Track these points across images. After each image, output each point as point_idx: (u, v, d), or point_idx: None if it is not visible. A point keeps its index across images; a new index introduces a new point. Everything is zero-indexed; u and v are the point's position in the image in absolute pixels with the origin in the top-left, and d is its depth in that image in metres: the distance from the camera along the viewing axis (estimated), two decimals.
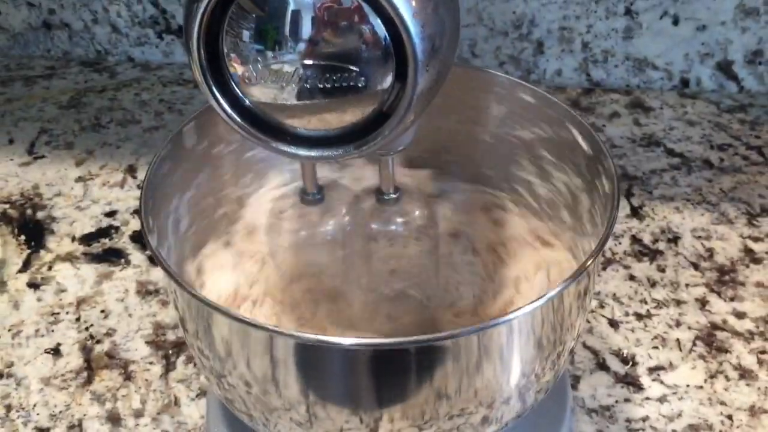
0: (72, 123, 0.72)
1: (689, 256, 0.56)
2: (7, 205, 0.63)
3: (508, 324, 0.32)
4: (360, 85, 0.29)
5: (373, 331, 0.40)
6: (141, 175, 0.65)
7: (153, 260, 0.56)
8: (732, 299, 0.53)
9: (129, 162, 0.67)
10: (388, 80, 0.29)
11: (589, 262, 0.34)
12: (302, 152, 0.31)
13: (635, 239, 0.58)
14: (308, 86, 0.29)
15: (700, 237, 0.58)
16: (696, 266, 0.56)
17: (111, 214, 0.62)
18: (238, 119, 0.31)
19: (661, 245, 0.57)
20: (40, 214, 0.62)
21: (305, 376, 0.32)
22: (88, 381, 0.50)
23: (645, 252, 0.57)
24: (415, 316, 0.42)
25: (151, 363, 0.51)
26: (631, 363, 0.49)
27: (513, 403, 0.37)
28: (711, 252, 0.57)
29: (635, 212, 0.60)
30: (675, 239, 0.58)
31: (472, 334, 0.31)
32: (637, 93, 0.72)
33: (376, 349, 0.31)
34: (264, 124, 0.31)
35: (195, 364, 0.50)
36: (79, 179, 0.66)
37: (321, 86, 0.29)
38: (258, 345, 0.31)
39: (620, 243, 0.58)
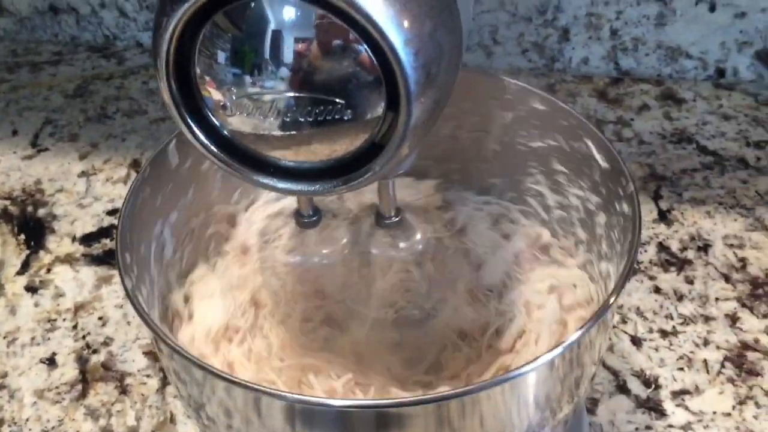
0: (77, 113, 0.69)
1: (720, 266, 0.53)
2: (8, 202, 0.61)
3: (523, 377, 0.29)
4: (346, 117, 0.26)
5: (375, 359, 0.37)
6: None
7: None
8: (765, 316, 0.49)
9: (134, 156, 0.65)
10: (379, 111, 0.26)
11: (611, 300, 0.31)
12: (285, 186, 0.28)
13: (662, 247, 0.54)
14: (290, 119, 0.26)
15: (732, 245, 0.54)
16: (727, 278, 0.52)
17: (113, 212, 0.60)
18: (214, 149, 0.28)
19: (690, 254, 0.54)
20: (41, 212, 0.60)
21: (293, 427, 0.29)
22: (83, 394, 0.48)
23: (672, 261, 0.53)
24: (419, 340, 0.39)
25: (147, 376, 0.49)
26: (653, 386, 0.46)
27: None
28: (744, 262, 0.53)
29: (663, 216, 0.56)
30: (705, 247, 0.54)
31: (483, 390, 0.28)
32: (668, 83, 0.68)
33: (376, 411, 0.28)
34: (243, 155, 0.28)
35: None
36: (83, 174, 0.63)
37: (304, 119, 0.26)
38: (242, 402, 0.29)
39: (645, 251, 0.54)
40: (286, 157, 0.28)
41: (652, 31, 0.66)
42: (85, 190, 0.62)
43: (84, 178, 0.63)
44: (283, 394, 0.28)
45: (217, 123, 0.28)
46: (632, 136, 0.63)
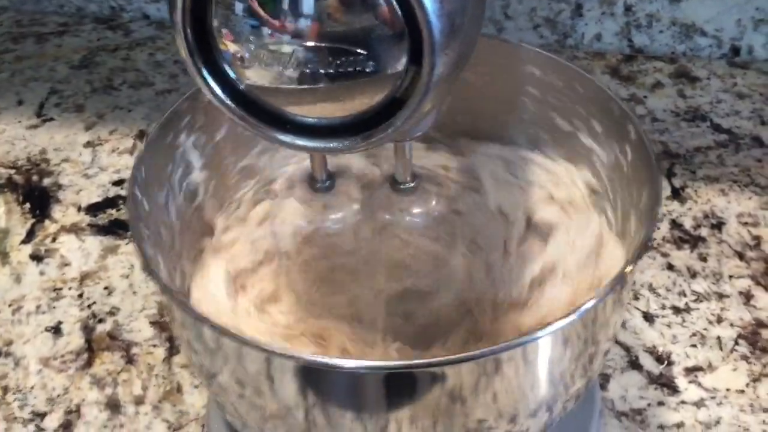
0: (83, 84, 0.68)
1: (734, 244, 0.52)
2: (12, 171, 0.61)
3: (536, 342, 0.29)
4: (369, 70, 0.25)
5: (383, 328, 0.37)
6: None
7: None
8: None
9: (140, 127, 0.64)
10: (402, 64, 0.25)
11: (628, 268, 0.30)
12: (303, 143, 0.27)
13: (675, 224, 0.54)
14: (309, 70, 0.25)
15: (746, 223, 0.53)
16: (741, 256, 0.51)
17: (119, 182, 0.59)
18: (231, 104, 0.27)
19: (704, 231, 0.53)
20: (46, 181, 0.60)
21: (305, 396, 0.29)
22: (89, 363, 0.47)
23: (685, 239, 0.53)
24: (430, 310, 0.39)
25: (154, 345, 0.48)
26: (666, 362, 0.46)
27: (540, 415, 0.34)
28: (758, 240, 0.52)
29: (676, 194, 0.56)
30: (719, 225, 0.53)
31: (493, 355, 0.28)
32: (682, 61, 0.67)
33: (388, 372, 0.27)
34: (260, 110, 0.27)
35: None
36: (88, 144, 0.63)
37: (324, 71, 0.25)
38: (252, 363, 0.28)
39: (658, 227, 0.53)
40: (304, 112, 0.27)
41: (667, 8, 0.65)
42: (91, 161, 0.61)
43: (90, 149, 0.62)
44: (295, 355, 0.28)
45: (234, 77, 0.27)
46: (645, 114, 0.62)
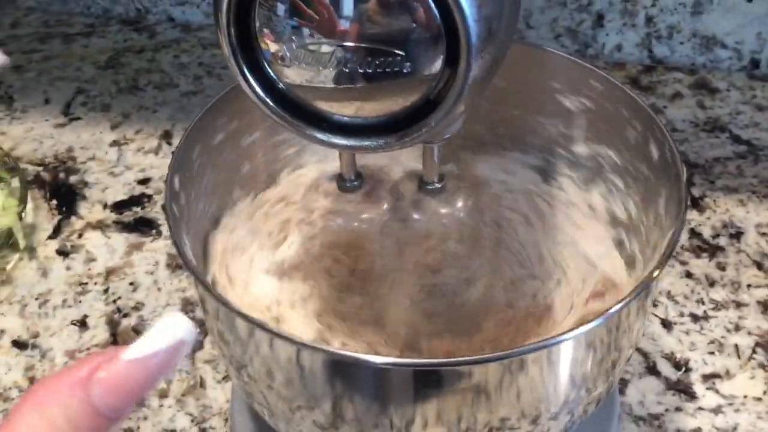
0: (109, 84, 0.70)
1: (752, 254, 0.52)
2: (40, 168, 0.62)
3: (561, 345, 0.29)
4: (405, 70, 0.26)
5: (408, 328, 0.37)
6: (176, 141, 0.63)
7: None
8: None
9: (165, 128, 0.65)
10: (437, 66, 0.26)
11: (655, 273, 0.31)
12: (338, 141, 0.28)
13: (694, 233, 0.54)
14: (348, 70, 0.26)
15: (765, 234, 0.54)
16: (759, 265, 0.52)
17: (144, 181, 0.60)
18: (270, 102, 0.28)
19: (722, 241, 0.53)
20: (72, 179, 0.61)
21: (334, 389, 0.29)
22: None
23: (704, 248, 0.53)
24: (455, 311, 0.39)
25: None
26: (684, 368, 0.46)
27: (561, 418, 0.34)
28: None
29: (695, 203, 0.56)
30: (737, 235, 0.54)
31: (519, 356, 0.28)
32: (702, 73, 0.67)
33: (415, 369, 0.28)
34: (298, 109, 0.28)
35: None
36: (114, 143, 0.64)
37: (362, 71, 0.26)
38: (284, 355, 0.29)
39: None
40: (341, 111, 0.28)
41: (688, 20, 0.66)
42: (117, 159, 0.62)
43: (115, 148, 0.63)
44: (325, 348, 0.28)
45: (273, 76, 0.28)
46: (665, 123, 0.62)
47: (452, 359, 0.30)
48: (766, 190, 0.57)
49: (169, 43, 0.74)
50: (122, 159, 0.62)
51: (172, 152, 0.35)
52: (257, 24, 0.27)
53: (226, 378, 0.47)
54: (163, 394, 0.46)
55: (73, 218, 0.57)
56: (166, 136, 0.64)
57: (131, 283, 0.53)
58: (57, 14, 0.79)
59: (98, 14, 0.78)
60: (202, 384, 0.46)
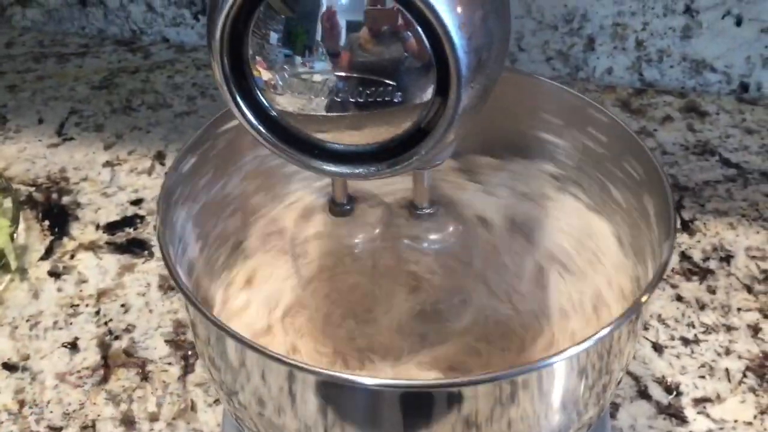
0: (103, 104, 0.70)
1: (742, 277, 0.53)
2: (32, 188, 0.62)
3: (546, 368, 0.29)
4: (396, 100, 0.26)
5: (399, 354, 0.37)
6: (169, 162, 0.63)
7: None
8: None
9: (158, 148, 0.65)
10: (428, 95, 0.26)
11: (644, 298, 0.31)
12: (330, 168, 0.29)
13: (684, 256, 0.54)
14: (340, 99, 0.26)
15: (755, 257, 0.54)
16: (749, 289, 0.52)
17: (137, 202, 0.60)
18: (261, 129, 0.28)
19: (713, 264, 0.54)
20: (65, 199, 0.61)
21: (325, 414, 0.29)
22: (104, 379, 0.48)
23: (694, 271, 0.53)
24: (445, 335, 0.39)
25: (169, 363, 0.49)
26: (675, 393, 0.46)
27: None
28: (766, 274, 0.53)
29: (685, 226, 0.56)
30: (727, 258, 0.54)
31: (509, 378, 0.29)
32: (692, 96, 0.68)
33: (405, 391, 0.28)
34: (289, 136, 0.28)
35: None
36: (107, 164, 0.64)
37: (354, 100, 0.26)
38: (276, 377, 0.29)
39: None
40: (333, 139, 0.28)
41: (678, 44, 0.66)
42: (110, 180, 0.62)
43: (108, 168, 0.63)
44: (317, 369, 0.28)
45: (266, 103, 0.28)
46: (655, 146, 0.63)
47: (443, 381, 0.31)
48: (755, 213, 0.57)
49: (164, 63, 0.75)
50: (115, 179, 0.62)
51: (165, 173, 0.35)
52: (250, 52, 0.27)
53: (217, 401, 0.47)
54: (154, 418, 0.46)
55: (65, 239, 0.57)
56: (159, 157, 0.64)
57: (123, 305, 0.52)
58: (52, 34, 0.79)
59: (93, 35, 0.79)
60: (193, 407, 0.46)
